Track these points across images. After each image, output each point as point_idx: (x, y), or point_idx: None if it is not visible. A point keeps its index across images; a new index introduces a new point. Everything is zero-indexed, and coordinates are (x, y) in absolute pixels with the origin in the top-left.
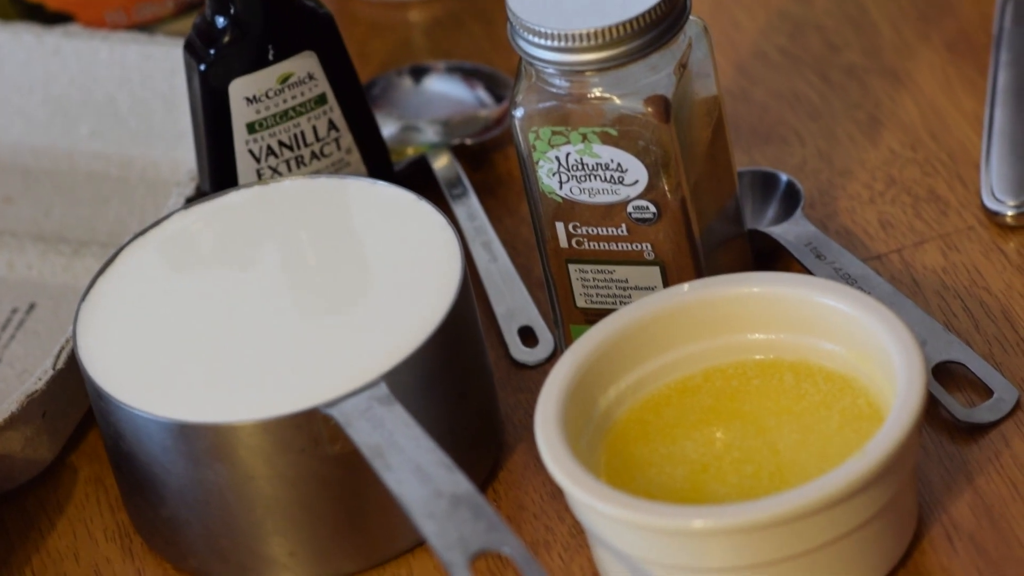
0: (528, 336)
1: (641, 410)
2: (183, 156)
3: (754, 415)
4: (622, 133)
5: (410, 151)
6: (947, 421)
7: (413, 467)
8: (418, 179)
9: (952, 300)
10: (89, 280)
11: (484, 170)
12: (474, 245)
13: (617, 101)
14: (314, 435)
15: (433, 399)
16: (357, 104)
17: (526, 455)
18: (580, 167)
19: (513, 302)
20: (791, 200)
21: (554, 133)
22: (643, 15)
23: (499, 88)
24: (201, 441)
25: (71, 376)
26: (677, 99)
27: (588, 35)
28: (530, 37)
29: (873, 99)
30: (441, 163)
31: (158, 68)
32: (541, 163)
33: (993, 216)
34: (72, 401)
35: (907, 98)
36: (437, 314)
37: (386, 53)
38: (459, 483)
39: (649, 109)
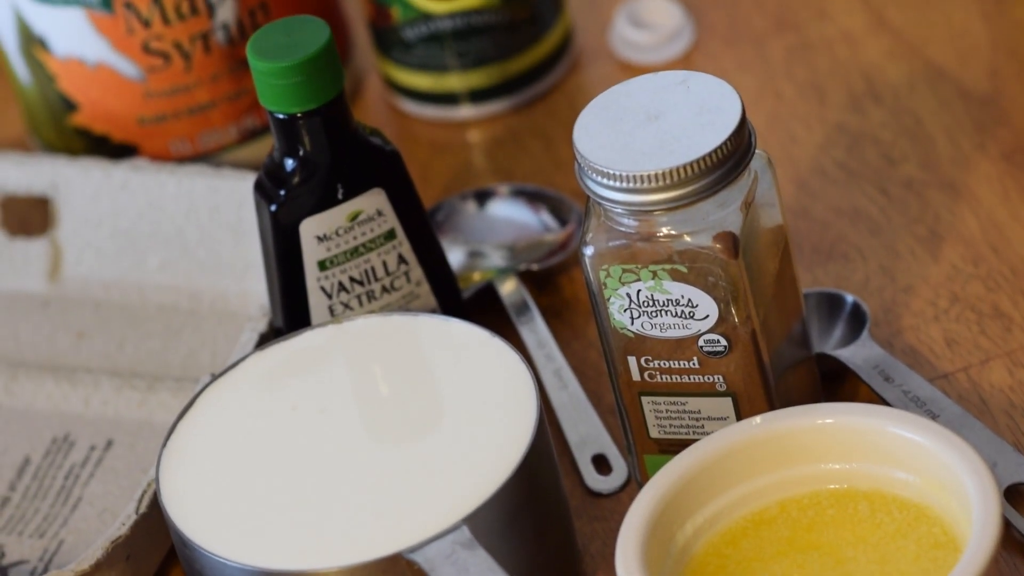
0: (602, 464)
1: (719, 544)
2: (252, 287)
3: (831, 546)
4: (692, 269)
5: (476, 276)
6: (1021, 544)
7: None
8: (485, 305)
9: (1020, 419)
10: (165, 419)
11: (550, 293)
12: (545, 373)
13: (687, 239)
14: None
15: (513, 538)
16: (425, 236)
17: None
18: (651, 303)
19: (585, 430)
20: (857, 321)
21: (624, 271)
22: (710, 155)
23: (563, 212)
24: None
25: (153, 518)
26: (745, 233)
27: (656, 176)
28: (598, 178)
29: (932, 212)
30: (508, 289)
31: (225, 201)
32: (612, 300)
33: None
34: (155, 542)
35: (966, 211)
36: (515, 454)
37: (448, 174)
38: None
39: (718, 246)
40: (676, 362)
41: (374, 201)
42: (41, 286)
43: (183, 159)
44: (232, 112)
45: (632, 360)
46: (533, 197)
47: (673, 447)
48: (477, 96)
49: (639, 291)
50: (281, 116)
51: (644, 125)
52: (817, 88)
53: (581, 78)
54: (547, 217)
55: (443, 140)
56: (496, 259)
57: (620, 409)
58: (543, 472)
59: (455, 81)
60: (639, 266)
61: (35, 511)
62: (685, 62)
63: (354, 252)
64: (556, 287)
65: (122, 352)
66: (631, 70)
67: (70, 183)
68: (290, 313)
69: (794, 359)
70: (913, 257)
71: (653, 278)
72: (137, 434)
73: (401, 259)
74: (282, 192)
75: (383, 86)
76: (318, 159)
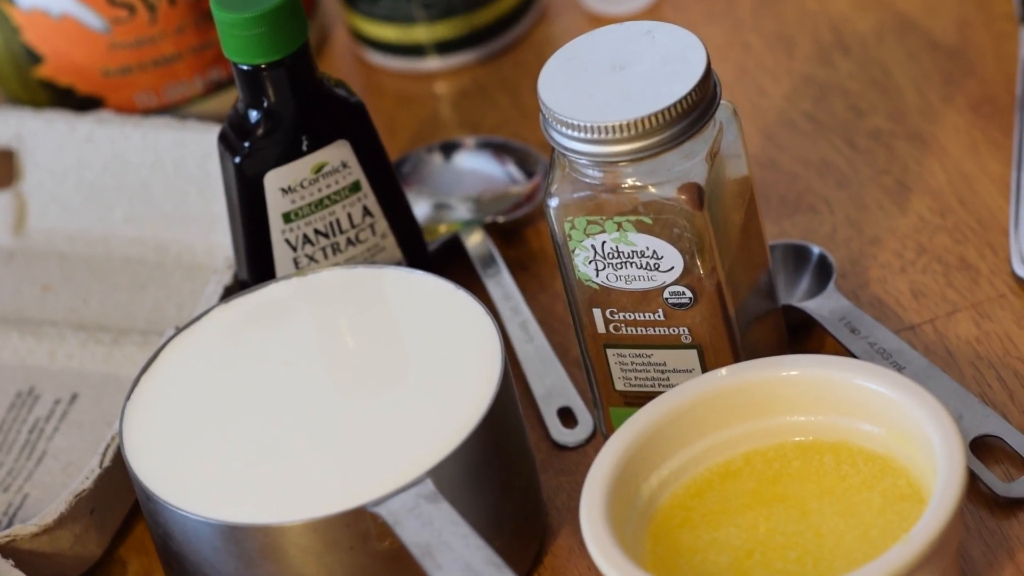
0: (567, 417)
1: (684, 496)
2: (218, 239)
3: (796, 498)
4: (657, 221)
5: (442, 229)
6: (986, 495)
7: (463, 566)
8: (451, 257)
9: (986, 371)
10: (131, 373)
11: (516, 246)
12: (510, 325)
13: (651, 190)
14: (362, 533)
15: (478, 491)
16: (390, 189)
17: (570, 538)
18: (616, 255)
19: (551, 383)
20: (823, 272)
21: (589, 222)
22: (675, 105)
23: (529, 164)
24: (251, 542)
25: (118, 472)
26: (710, 185)
27: (621, 127)
28: (563, 129)
29: (900, 164)
30: (474, 241)
31: (190, 153)
32: (577, 251)
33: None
34: (119, 496)
35: (934, 162)
36: (480, 407)
37: (414, 126)
38: None
39: (683, 197)
40: (641, 314)
41: (339, 153)
42: (6, 239)
43: (148, 111)
44: (197, 64)
45: (597, 312)
46: (499, 149)
47: (638, 400)
48: (444, 47)
49: (604, 243)
50: (245, 67)
51: (609, 76)
52: (785, 39)
53: (548, 29)
54: (513, 169)
55: (409, 92)
56: (462, 211)
57: (585, 362)
58: (508, 425)
59: (422, 32)
60: (604, 218)
61: None
62: (653, 13)
63: (319, 204)
64: (522, 239)
65: (87, 305)
66: (599, 21)
67: (35, 135)
68: (255, 265)
69: (760, 311)
70: (880, 209)
71: (618, 230)
72: (102, 388)
73: (366, 211)
74: (246, 144)
75: (349, 38)
76: (283, 111)
